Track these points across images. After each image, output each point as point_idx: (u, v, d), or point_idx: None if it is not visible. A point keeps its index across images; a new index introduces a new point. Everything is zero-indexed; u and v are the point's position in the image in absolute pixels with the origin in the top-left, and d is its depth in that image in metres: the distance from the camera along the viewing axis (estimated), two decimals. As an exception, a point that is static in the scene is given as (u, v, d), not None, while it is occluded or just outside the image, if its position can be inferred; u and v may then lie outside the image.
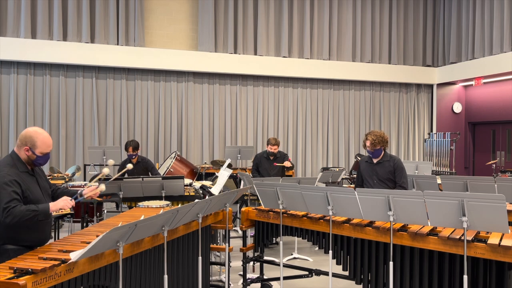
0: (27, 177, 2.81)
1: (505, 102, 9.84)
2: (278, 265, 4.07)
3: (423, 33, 11.07)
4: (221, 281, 4.68)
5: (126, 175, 6.08)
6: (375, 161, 4.57)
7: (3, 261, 2.44)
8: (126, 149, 6.00)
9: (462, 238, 2.87)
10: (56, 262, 2.30)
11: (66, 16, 8.46)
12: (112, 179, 4.18)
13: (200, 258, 3.42)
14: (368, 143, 4.52)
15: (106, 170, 3.28)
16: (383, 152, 4.56)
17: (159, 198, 4.75)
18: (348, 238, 3.57)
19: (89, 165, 8.00)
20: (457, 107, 11.08)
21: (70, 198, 2.85)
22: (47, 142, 2.86)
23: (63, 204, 2.78)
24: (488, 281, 2.90)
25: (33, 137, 2.81)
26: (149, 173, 6.14)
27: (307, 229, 3.84)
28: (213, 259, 4.79)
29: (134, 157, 6.05)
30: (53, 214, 3.03)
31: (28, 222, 2.67)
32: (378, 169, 4.54)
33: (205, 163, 8.87)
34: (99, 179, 3.34)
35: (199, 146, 9.44)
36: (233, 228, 6.51)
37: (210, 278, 4.25)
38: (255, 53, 9.64)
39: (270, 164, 6.32)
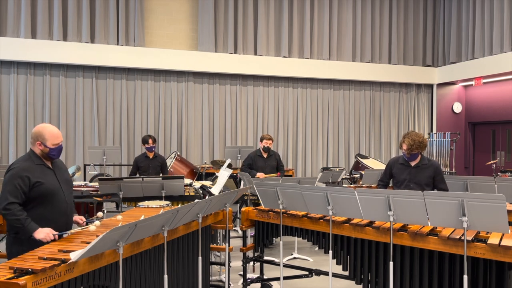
0: (42, 169, 2.98)
1: (505, 102, 9.83)
2: (278, 265, 4.07)
3: (423, 33, 11.07)
4: (221, 281, 4.68)
5: (139, 172, 6.18)
6: (412, 164, 4.29)
7: (27, 250, 2.61)
8: (146, 142, 6.10)
9: (462, 238, 2.87)
10: (56, 262, 2.30)
11: (66, 16, 8.46)
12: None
13: (200, 258, 3.42)
14: (405, 147, 4.20)
15: (100, 214, 3.38)
16: (420, 156, 4.31)
17: (159, 198, 4.75)
18: (348, 238, 3.57)
19: (89, 165, 8.00)
20: (457, 107, 11.08)
21: (54, 233, 2.84)
22: (54, 133, 3.02)
23: (44, 237, 2.80)
24: (488, 281, 2.90)
25: (41, 131, 3.00)
26: (161, 170, 6.23)
27: (307, 229, 3.84)
28: (213, 259, 4.79)
29: (153, 149, 6.18)
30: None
31: (12, 223, 2.84)
32: (417, 174, 4.25)
33: (205, 163, 8.87)
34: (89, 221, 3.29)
35: (199, 146, 9.44)
36: (233, 228, 6.52)
37: (210, 278, 4.25)
38: (255, 53, 9.64)
39: (264, 162, 6.38)
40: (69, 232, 2.94)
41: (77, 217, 3.21)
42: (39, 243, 2.74)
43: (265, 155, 6.44)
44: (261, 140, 6.46)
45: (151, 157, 6.19)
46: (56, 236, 2.84)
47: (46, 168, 3.02)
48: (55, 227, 2.92)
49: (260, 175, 6.23)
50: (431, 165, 4.28)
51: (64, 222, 3.04)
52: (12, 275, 2.17)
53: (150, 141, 6.10)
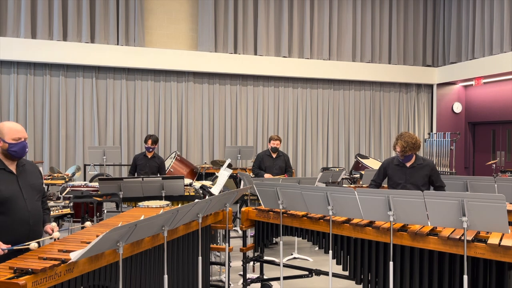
0: (1, 174, 2.73)
1: (505, 102, 9.83)
2: (278, 265, 4.07)
3: (423, 33, 11.07)
4: (221, 281, 4.68)
5: (136, 170, 6.24)
6: (407, 164, 4.27)
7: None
8: (146, 141, 6.24)
9: (462, 238, 2.87)
10: (56, 262, 2.30)
11: (66, 16, 8.46)
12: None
13: (200, 258, 3.42)
14: (398, 149, 4.20)
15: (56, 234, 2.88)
16: (414, 156, 4.29)
17: (159, 198, 4.75)
18: (348, 238, 3.57)
19: (89, 165, 8.00)
20: (457, 107, 11.08)
21: (4, 247, 2.53)
22: (13, 127, 2.78)
23: None
24: (488, 281, 2.90)
25: None
26: (159, 171, 6.27)
27: (307, 229, 3.84)
28: (213, 259, 4.79)
29: (151, 150, 6.26)
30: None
31: None
32: (413, 174, 4.24)
33: (205, 163, 8.87)
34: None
35: (199, 146, 9.44)
36: (233, 228, 6.51)
37: (210, 278, 4.25)
38: (255, 53, 9.64)
39: (272, 162, 6.40)
40: (22, 245, 2.60)
41: (48, 227, 2.93)
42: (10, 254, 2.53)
43: (274, 155, 6.47)
44: (269, 141, 6.50)
45: (149, 156, 6.28)
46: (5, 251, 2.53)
47: (6, 173, 2.74)
48: (15, 237, 2.65)
49: (267, 176, 6.24)
50: (426, 164, 4.27)
51: (25, 232, 2.73)
52: (12, 275, 2.17)
53: (149, 141, 6.21)
